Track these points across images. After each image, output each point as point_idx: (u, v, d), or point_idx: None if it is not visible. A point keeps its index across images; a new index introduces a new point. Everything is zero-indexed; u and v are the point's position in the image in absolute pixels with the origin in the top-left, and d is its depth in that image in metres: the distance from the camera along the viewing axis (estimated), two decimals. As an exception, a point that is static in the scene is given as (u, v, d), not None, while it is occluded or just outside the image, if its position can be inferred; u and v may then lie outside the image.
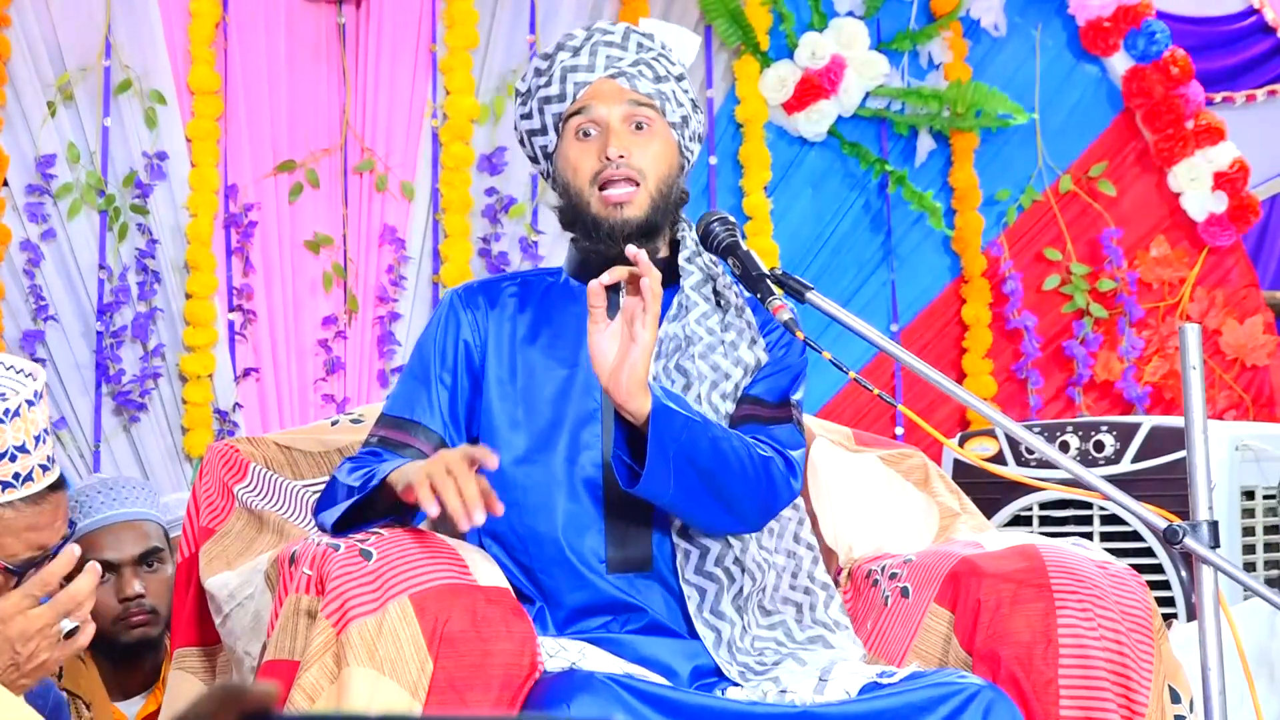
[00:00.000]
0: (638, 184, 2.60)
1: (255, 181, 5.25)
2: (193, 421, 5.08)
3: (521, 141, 2.74)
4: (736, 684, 2.53)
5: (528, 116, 2.70)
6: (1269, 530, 4.06)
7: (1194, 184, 5.74)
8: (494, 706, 2.29)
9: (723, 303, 2.64)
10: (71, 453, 5.05)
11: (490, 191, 5.43)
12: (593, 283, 2.41)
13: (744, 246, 2.58)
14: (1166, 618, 3.07)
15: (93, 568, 2.36)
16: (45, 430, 2.47)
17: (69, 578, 2.35)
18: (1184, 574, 3.84)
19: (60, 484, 2.50)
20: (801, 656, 2.59)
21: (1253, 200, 5.79)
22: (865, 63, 5.68)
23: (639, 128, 2.63)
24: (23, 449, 2.41)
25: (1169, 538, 2.40)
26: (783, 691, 2.49)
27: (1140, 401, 5.70)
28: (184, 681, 2.83)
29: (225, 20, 5.23)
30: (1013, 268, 5.77)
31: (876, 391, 2.44)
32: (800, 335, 2.50)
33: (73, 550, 2.35)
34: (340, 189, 5.35)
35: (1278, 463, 4.04)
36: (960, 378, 5.71)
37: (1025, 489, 3.83)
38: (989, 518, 3.41)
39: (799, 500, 2.70)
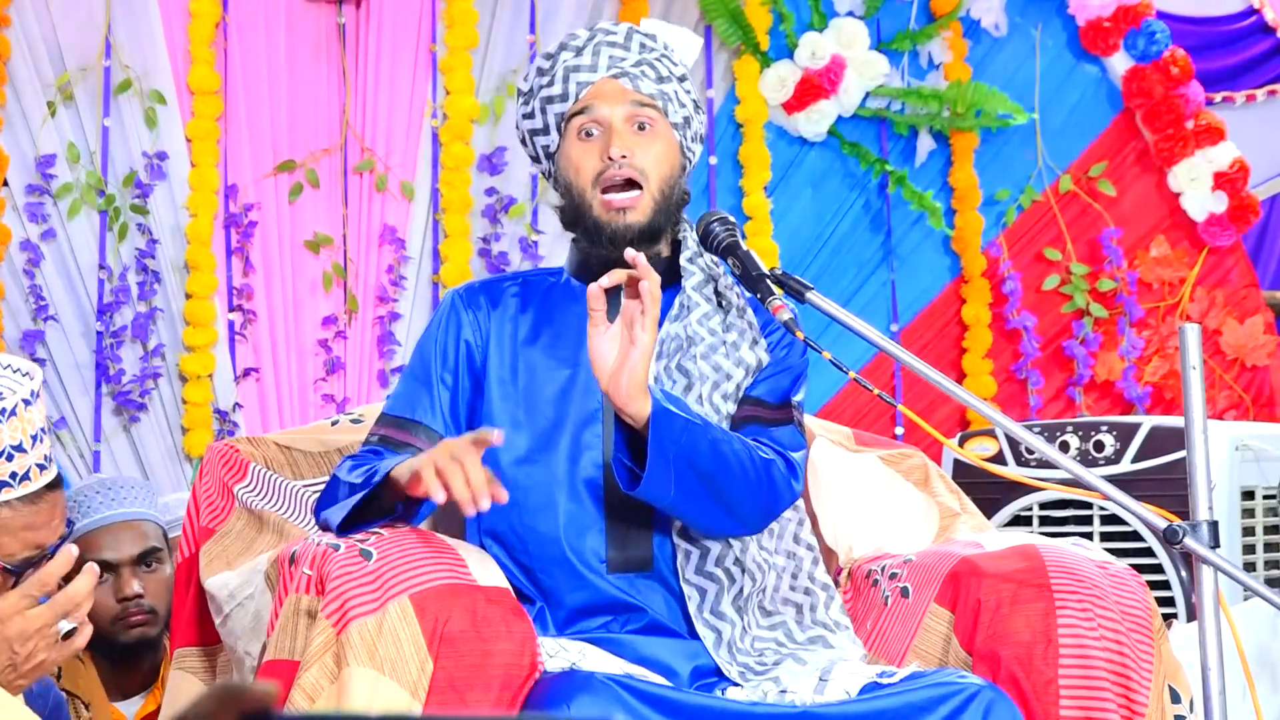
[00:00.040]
0: (640, 186, 2.60)
1: (255, 181, 5.25)
2: (193, 421, 5.08)
3: (523, 141, 2.74)
4: (737, 684, 2.53)
5: (530, 116, 2.70)
6: (1269, 530, 4.06)
7: (1194, 184, 5.75)
8: (494, 706, 2.29)
9: (724, 303, 2.64)
10: (71, 453, 5.05)
11: (490, 191, 5.43)
12: (592, 286, 2.41)
13: (744, 246, 2.58)
14: (1166, 618, 3.07)
15: (91, 569, 2.36)
16: (42, 429, 2.47)
17: (67, 578, 2.35)
18: (1184, 574, 3.83)
19: (58, 483, 2.50)
20: (801, 656, 2.59)
21: (1253, 200, 5.79)
22: (865, 63, 5.69)
23: (641, 128, 2.62)
24: (19, 448, 2.41)
25: (1169, 538, 2.40)
26: (783, 691, 2.49)
27: (1140, 401, 5.70)
28: (184, 681, 2.83)
29: (225, 20, 5.23)
30: (1012, 268, 5.77)
31: (876, 391, 2.44)
32: (800, 335, 2.50)
33: (70, 550, 2.35)
34: (340, 189, 5.35)
35: (1278, 463, 4.04)
36: (960, 378, 5.71)
37: (1025, 489, 3.83)
38: (989, 518, 3.41)
39: (799, 501, 2.70)
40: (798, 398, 2.66)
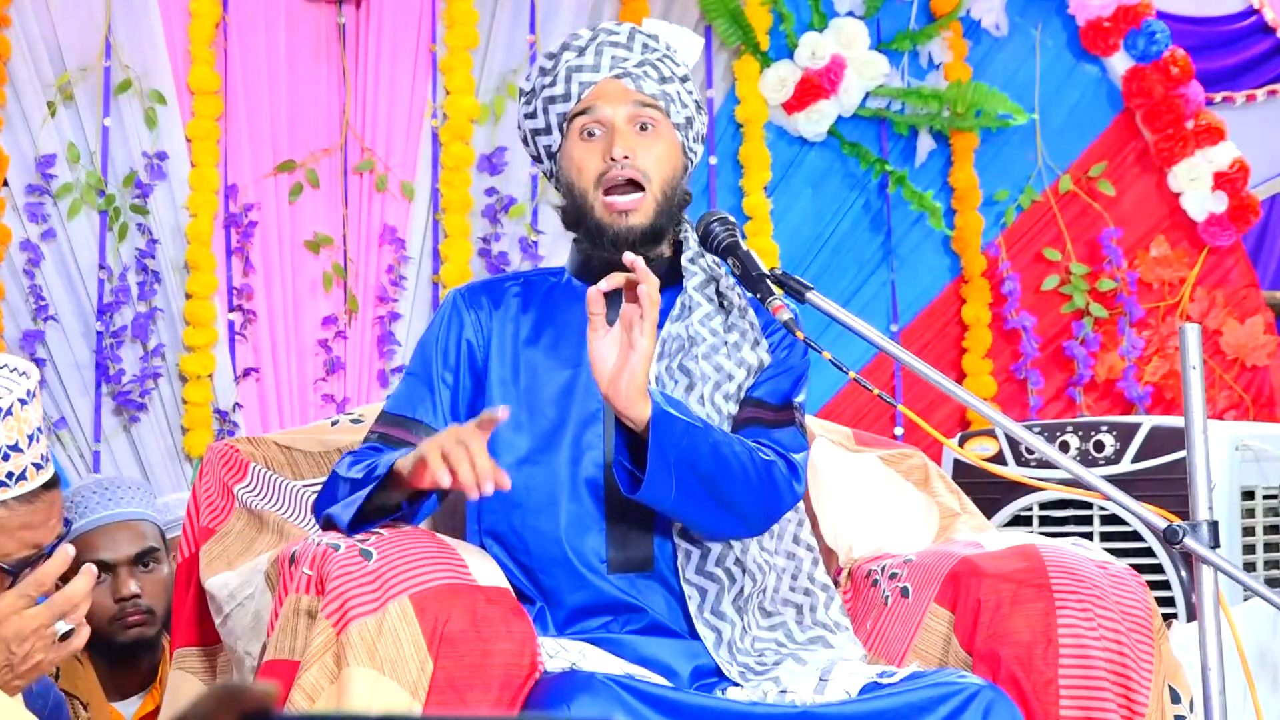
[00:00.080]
0: (642, 187, 2.60)
1: (255, 181, 5.25)
2: (193, 421, 5.08)
3: (525, 141, 2.74)
4: (737, 684, 2.53)
5: (532, 116, 2.70)
6: (1269, 530, 4.06)
7: (1194, 184, 5.75)
8: (494, 706, 2.29)
9: (726, 304, 2.64)
10: (71, 453, 5.05)
11: (490, 191, 5.43)
12: (591, 290, 2.41)
13: (744, 246, 2.58)
14: (1166, 618, 3.07)
15: (89, 569, 2.36)
16: (39, 429, 2.46)
17: (65, 579, 2.35)
18: (1184, 574, 3.83)
19: (54, 483, 2.50)
20: (802, 656, 2.59)
21: (1253, 200, 5.79)
22: (865, 63, 5.68)
23: (644, 129, 2.63)
24: (15, 448, 2.41)
25: (1169, 538, 2.40)
26: (783, 691, 2.49)
27: (1141, 401, 5.70)
28: (184, 681, 2.83)
29: (225, 20, 5.23)
30: (1011, 268, 5.77)
31: (876, 391, 2.44)
32: (800, 335, 2.50)
33: (67, 550, 2.34)
34: (340, 189, 5.35)
35: (1278, 463, 4.04)
36: (960, 378, 5.71)
37: (1025, 489, 3.83)
38: (989, 518, 3.41)
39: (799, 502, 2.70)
40: (799, 399, 2.66)
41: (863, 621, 2.73)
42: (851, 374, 2.45)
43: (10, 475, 2.41)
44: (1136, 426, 4.07)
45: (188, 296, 5.10)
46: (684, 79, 2.69)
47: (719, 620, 2.57)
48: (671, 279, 2.65)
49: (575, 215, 2.65)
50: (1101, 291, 5.77)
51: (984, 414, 2.50)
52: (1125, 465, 4.02)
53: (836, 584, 2.82)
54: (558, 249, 5.34)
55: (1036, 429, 4.23)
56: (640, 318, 2.41)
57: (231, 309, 5.18)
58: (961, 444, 4.23)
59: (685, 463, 2.43)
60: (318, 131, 5.35)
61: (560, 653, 2.44)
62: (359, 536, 2.42)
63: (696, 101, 2.70)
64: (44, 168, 5.04)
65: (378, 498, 2.48)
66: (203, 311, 5.09)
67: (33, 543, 2.45)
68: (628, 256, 2.41)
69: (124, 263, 5.11)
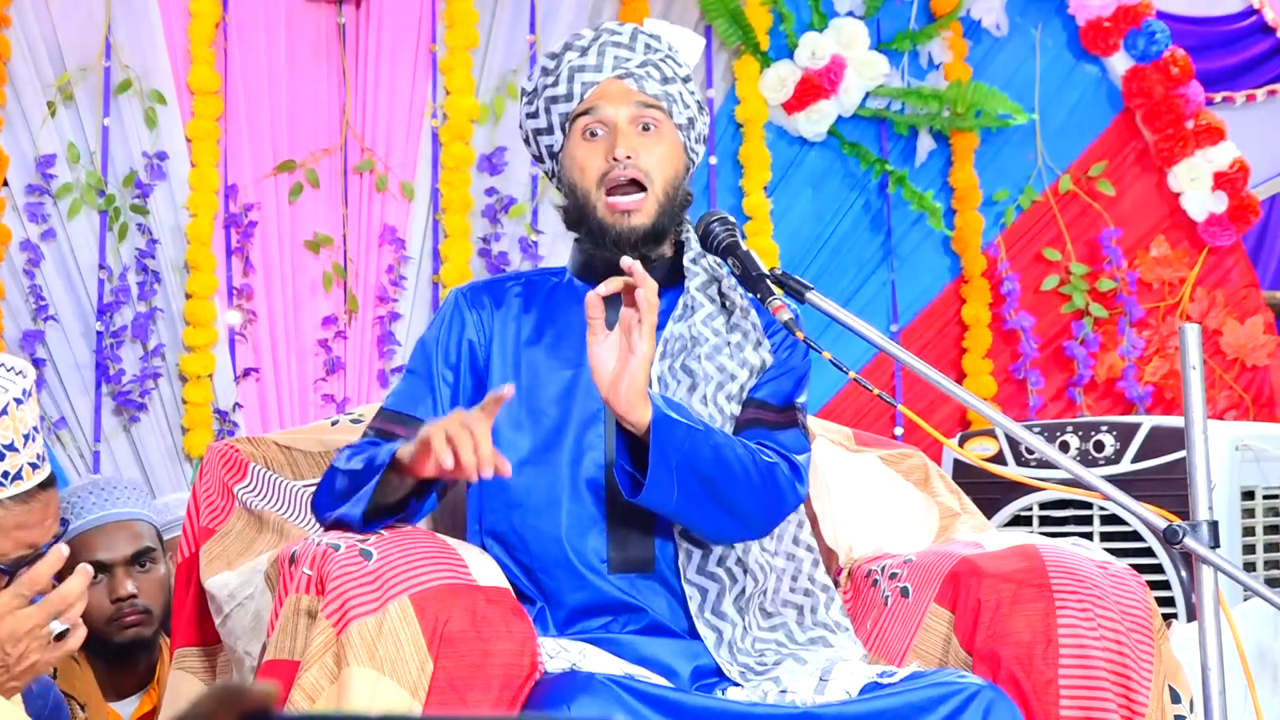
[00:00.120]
0: (644, 187, 2.60)
1: (255, 181, 5.25)
2: (193, 421, 5.08)
3: (526, 140, 2.74)
4: (737, 684, 2.53)
5: (534, 116, 2.70)
6: (1269, 530, 4.06)
7: (1194, 184, 5.75)
8: (494, 706, 2.29)
9: (728, 304, 2.64)
10: (71, 453, 5.05)
11: (490, 191, 5.43)
12: (590, 294, 2.41)
13: (744, 246, 2.58)
14: (1166, 618, 3.07)
15: (84, 569, 2.35)
16: (34, 428, 2.46)
17: (61, 579, 2.34)
18: (1184, 574, 3.83)
19: (50, 482, 2.49)
20: (802, 656, 2.59)
21: (1253, 200, 5.79)
22: (865, 63, 5.69)
23: (646, 129, 2.63)
24: (11, 447, 2.40)
25: (1169, 538, 2.40)
26: (783, 692, 2.49)
27: (1141, 401, 5.70)
28: (184, 681, 2.83)
29: (225, 20, 5.23)
30: (1009, 268, 5.77)
31: (876, 391, 2.44)
32: (800, 335, 2.50)
33: (61, 550, 2.34)
34: (340, 189, 5.35)
35: (1278, 463, 4.04)
36: (960, 378, 5.71)
37: (1025, 489, 3.83)
38: (989, 518, 3.41)
39: (799, 502, 2.70)
40: (801, 400, 2.66)
41: (863, 621, 2.73)
42: (851, 374, 2.45)
43: (6, 474, 2.40)
44: (1136, 426, 4.07)
45: (188, 296, 5.10)
46: (686, 79, 2.69)
47: (720, 620, 2.57)
48: (673, 279, 2.65)
49: (577, 215, 2.65)
50: (1101, 291, 5.77)
51: (984, 414, 2.50)
52: (1125, 465, 4.02)
53: (836, 584, 2.82)
54: (558, 249, 5.34)
55: (1036, 429, 4.23)
56: (639, 322, 2.41)
57: (232, 309, 5.18)
58: (961, 444, 4.23)
59: (687, 465, 2.43)
60: (318, 131, 5.35)
61: (560, 653, 2.44)
62: (359, 536, 2.42)
63: (698, 102, 2.70)
64: (44, 168, 5.05)
65: (378, 494, 2.48)
66: (203, 311, 5.09)
67: (28, 542, 2.45)
68: (625, 261, 2.41)
69: (124, 263, 5.11)
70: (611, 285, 2.42)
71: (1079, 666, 2.49)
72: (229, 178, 5.22)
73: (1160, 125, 5.73)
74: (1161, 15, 5.80)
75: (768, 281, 2.51)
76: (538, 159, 2.74)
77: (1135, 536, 3.89)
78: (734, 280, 2.64)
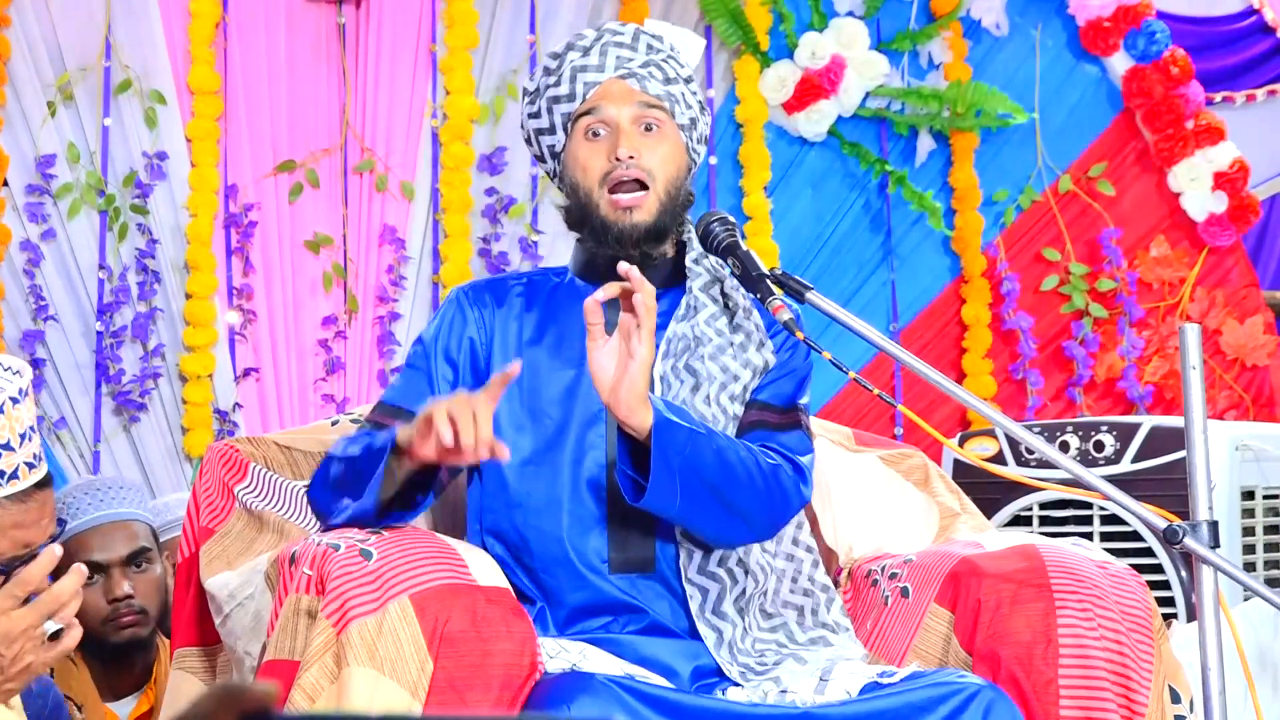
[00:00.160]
0: (647, 186, 2.60)
1: (255, 181, 5.25)
2: (193, 421, 5.08)
3: (528, 140, 2.74)
4: (737, 684, 2.53)
5: (536, 115, 2.70)
6: (1269, 530, 4.06)
7: (1194, 184, 5.75)
8: (494, 706, 2.29)
9: (730, 305, 2.65)
10: (71, 453, 5.05)
11: (490, 191, 5.43)
12: (588, 301, 2.41)
13: (744, 247, 2.58)
14: (1166, 618, 3.07)
15: (77, 569, 2.35)
16: (31, 428, 2.45)
17: (56, 579, 2.34)
18: (1184, 574, 3.83)
19: (47, 482, 2.49)
20: (802, 656, 2.59)
21: (1253, 200, 5.79)
22: (865, 63, 5.69)
23: (648, 129, 2.63)
24: (7, 446, 2.40)
25: (1169, 538, 2.40)
26: (783, 692, 2.49)
27: (1142, 401, 5.70)
28: (184, 681, 2.83)
29: (225, 20, 5.23)
30: (1009, 269, 5.77)
31: (876, 391, 2.44)
32: (800, 335, 2.50)
33: (54, 551, 2.33)
34: (340, 189, 5.35)
35: (1278, 463, 4.04)
36: (960, 378, 5.71)
37: (1025, 489, 3.83)
38: (989, 518, 3.40)
39: (798, 503, 2.70)
40: (803, 401, 2.66)
41: (863, 621, 2.73)
42: (851, 374, 2.45)
43: (2, 474, 2.40)
44: (1136, 426, 4.07)
45: (188, 296, 5.10)
46: (688, 80, 2.69)
47: (720, 620, 2.57)
48: (674, 279, 2.65)
49: (579, 214, 2.65)
50: (1101, 291, 5.77)
51: (984, 414, 2.50)
52: (1125, 465, 4.02)
53: (836, 584, 2.82)
54: (558, 249, 5.34)
55: (1036, 429, 4.23)
56: (637, 327, 2.41)
57: (231, 309, 5.18)
58: (961, 444, 4.23)
59: (689, 469, 2.43)
60: (318, 131, 5.35)
61: (561, 653, 2.44)
62: (359, 536, 2.42)
63: (700, 103, 2.70)
64: (44, 168, 5.04)
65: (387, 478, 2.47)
66: (203, 311, 5.09)
67: (24, 542, 2.44)
68: (623, 266, 2.41)
69: (124, 263, 5.11)
70: (609, 291, 2.41)
71: (1079, 666, 2.49)
72: (229, 178, 5.22)
73: (1160, 125, 5.73)
74: (1161, 15, 5.80)
75: (768, 281, 2.51)
76: (539, 159, 2.74)
77: (1135, 536, 3.89)
78: (736, 281, 2.64)
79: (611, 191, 2.60)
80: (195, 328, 5.08)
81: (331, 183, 5.35)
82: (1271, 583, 3.93)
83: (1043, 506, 4.03)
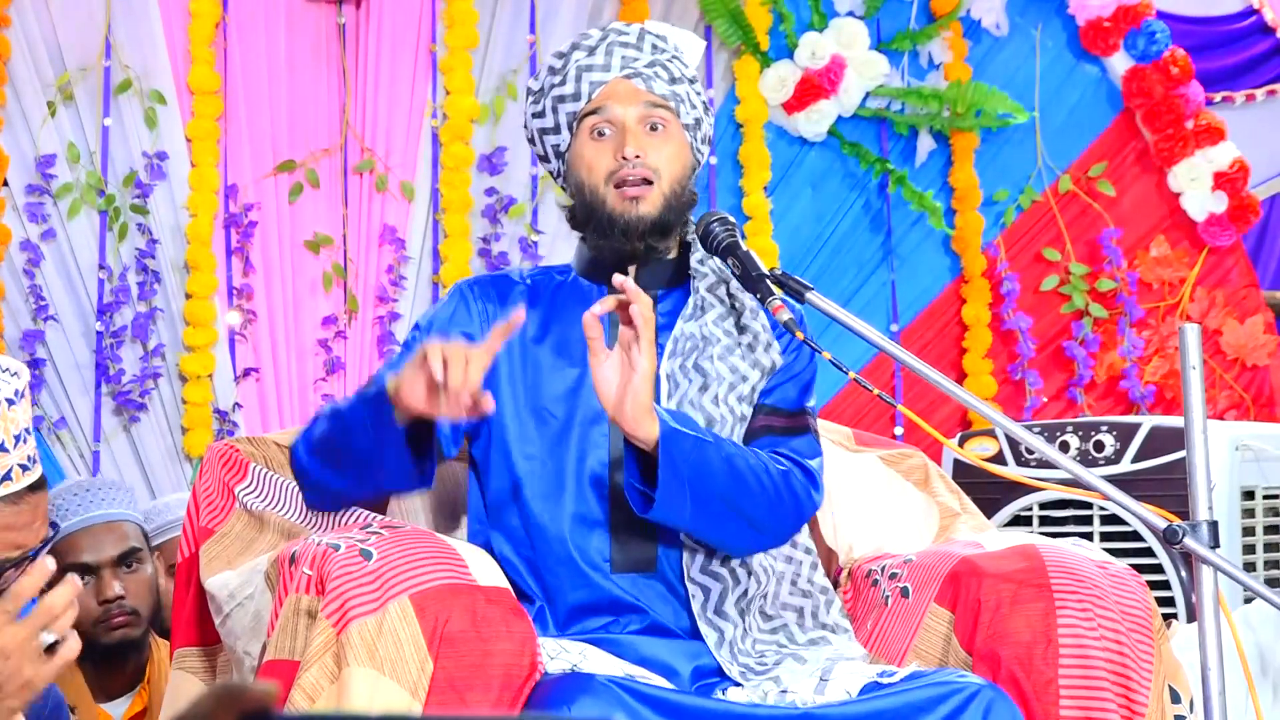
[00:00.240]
0: (652, 183, 2.60)
1: (255, 181, 5.25)
2: (193, 421, 5.07)
3: (531, 140, 2.74)
4: (737, 684, 2.53)
5: (540, 115, 2.70)
6: (1269, 530, 4.06)
7: (1194, 184, 5.74)
8: (494, 706, 2.29)
9: (737, 305, 2.65)
10: (71, 453, 5.04)
11: (490, 191, 5.43)
12: (586, 315, 2.41)
13: (744, 247, 2.58)
14: (1166, 618, 3.07)
15: (71, 579, 2.33)
16: (26, 430, 2.44)
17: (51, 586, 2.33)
18: (1184, 574, 3.83)
19: (40, 485, 2.48)
20: (802, 656, 2.59)
21: (1253, 200, 5.79)
22: (865, 63, 5.68)
23: (654, 129, 2.63)
24: (1, 447, 2.40)
25: (1169, 538, 2.40)
26: (783, 692, 2.49)
27: (1143, 401, 5.70)
28: (184, 681, 2.83)
29: (225, 20, 5.23)
30: (1009, 269, 5.77)
31: (876, 391, 2.44)
32: (801, 336, 2.50)
33: (45, 564, 2.31)
34: (340, 189, 5.35)
35: (1278, 463, 4.04)
36: (960, 378, 5.71)
37: (1025, 489, 3.83)
38: (989, 518, 3.40)
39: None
40: (810, 404, 2.67)
41: (863, 621, 2.73)
42: (851, 374, 2.45)
43: None
44: (1136, 426, 4.06)
45: (188, 296, 5.10)
46: (692, 80, 2.70)
47: (722, 620, 2.57)
48: (677, 279, 2.65)
49: (585, 212, 2.65)
50: (1101, 291, 5.77)
51: (984, 414, 2.50)
52: (1125, 465, 4.02)
53: (836, 584, 2.82)
54: (558, 249, 5.34)
55: (1036, 429, 4.23)
56: (637, 338, 2.41)
57: (231, 309, 5.18)
58: (961, 444, 4.23)
59: (698, 478, 2.43)
60: (318, 131, 5.35)
61: (561, 654, 2.44)
62: (359, 536, 2.42)
63: (704, 103, 2.71)
64: (44, 168, 5.04)
65: (359, 421, 2.46)
66: (203, 311, 5.09)
67: (16, 544, 2.43)
68: (618, 278, 2.41)
69: (124, 263, 5.11)
70: (606, 304, 2.42)
71: (1079, 666, 2.49)
72: (229, 178, 5.22)
73: (1160, 125, 5.73)
74: (1161, 15, 5.80)
75: (768, 282, 2.51)
76: (543, 158, 2.74)
77: (1135, 536, 3.89)
78: (739, 282, 2.64)
79: (618, 187, 2.60)
80: (195, 328, 5.08)
81: (331, 183, 5.35)
82: (1271, 583, 3.93)
83: (1043, 506, 4.03)
